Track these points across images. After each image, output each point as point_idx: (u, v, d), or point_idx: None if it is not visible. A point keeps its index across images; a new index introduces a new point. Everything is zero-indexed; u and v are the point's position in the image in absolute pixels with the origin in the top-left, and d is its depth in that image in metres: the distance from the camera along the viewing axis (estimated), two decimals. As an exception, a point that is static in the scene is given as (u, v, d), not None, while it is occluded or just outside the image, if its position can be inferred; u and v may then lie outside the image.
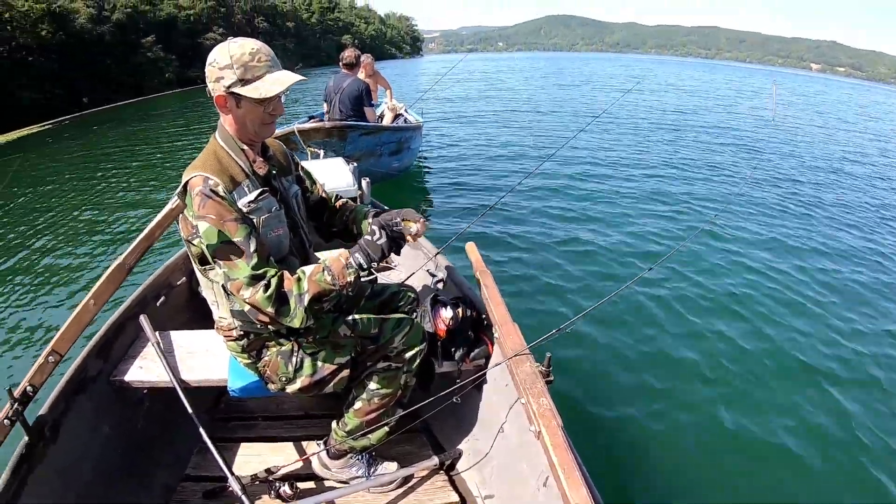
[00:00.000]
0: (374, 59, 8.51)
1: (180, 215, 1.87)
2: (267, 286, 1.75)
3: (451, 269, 3.02)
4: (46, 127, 22.79)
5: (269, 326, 1.92)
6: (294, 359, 2.09)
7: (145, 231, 2.08)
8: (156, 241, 2.18)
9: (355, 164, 4.43)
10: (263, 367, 2.13)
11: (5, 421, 1.87)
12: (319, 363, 2.09)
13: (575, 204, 8.24)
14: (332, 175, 4.09)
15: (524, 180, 3.45)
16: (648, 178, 10.01)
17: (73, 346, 2.20)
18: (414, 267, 3.28)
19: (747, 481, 3.26)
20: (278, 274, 1.79)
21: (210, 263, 1.84)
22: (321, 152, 5.96)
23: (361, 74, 8.01)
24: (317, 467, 2.50)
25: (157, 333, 2.57)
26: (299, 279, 1.82)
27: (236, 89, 1.77)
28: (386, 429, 2.30)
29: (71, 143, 17.57)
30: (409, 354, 2.19)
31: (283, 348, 2.09)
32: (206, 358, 2.52)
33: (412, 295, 2.55)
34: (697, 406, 3.89)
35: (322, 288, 1.83)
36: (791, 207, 8.71)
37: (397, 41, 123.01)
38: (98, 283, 2.04)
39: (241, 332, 2.06)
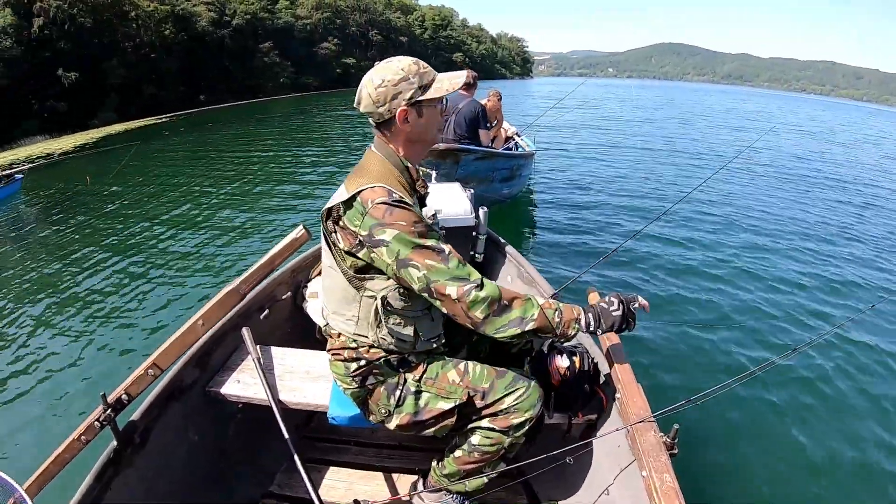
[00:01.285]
0: (499, 96, 8.52)
1: (341, 224, 1.82)
2: (480, 286, 1.74)
3: None
4: (164, 120, 24.08)
5: (414, 346, 1.95)
6: (398, 392, 2.00)
7: (265, 258, 2.06)
8: (276, 269, 2.15)
9: (472, 192, 4.32)
10: (366, 395, 2.05)
11: (95, 423, 1.89)
12: (422, 403, 1.99)
13: (708, 256, 7.47)
14: (449, 201, 4.02)
15: (648, 226, 3.21)
16: (804, 237, 8.73)
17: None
18: None
19: None
20: (492, 283, 1.77)
21: (369, 274, 1.83)
22: (433, 173, 5.91)
23: (487, 103, 7.96)
24: (413, 495, 2.40)
25: (258, 348, 2.55)
26: (530, 301, 1.80)
27: (419, 97, 1.79)
28: (485, 479, 2.17)
29: (185, 136, 18.45)
30: (516, 420, 1.98)
31: (390, 380, 2.00)
32: (306, 379, 2.47)
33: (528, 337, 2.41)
34: None
35: (545, 325, 1.80)
36: None
37: (507, 61, 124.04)
38: (209, 305, 2.03)
39: (354, 356, 1.99)
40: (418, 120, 1.82)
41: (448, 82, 1.82)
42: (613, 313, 1.88)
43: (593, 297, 2.47)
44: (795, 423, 4.10)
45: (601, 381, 2.34)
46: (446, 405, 1.96)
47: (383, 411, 2.03)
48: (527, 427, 1.98)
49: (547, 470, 2.10)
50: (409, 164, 1.91)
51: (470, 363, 2.01)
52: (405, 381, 2.00)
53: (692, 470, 3.41)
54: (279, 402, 2.31)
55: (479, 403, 1.97)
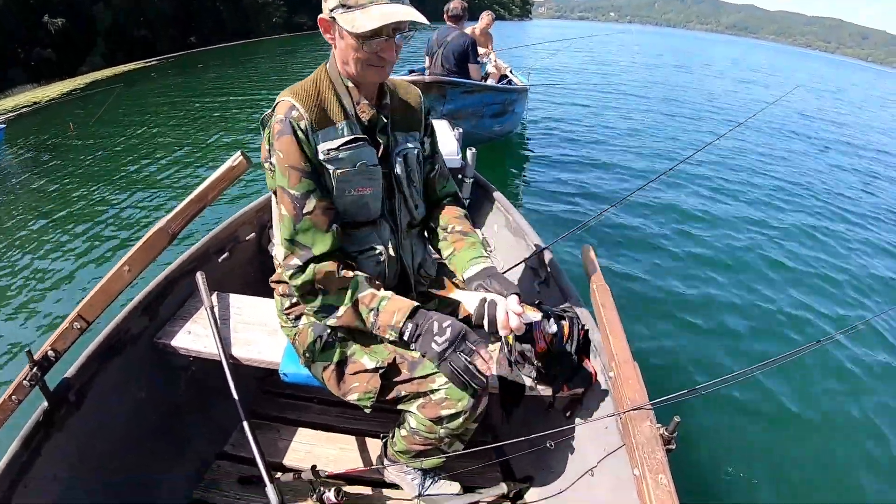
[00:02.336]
0: (493, 17, 8.17)
1: (264, 135, 1.65)
2: (303, 269, 1.59)
3: (557, 271, 2.55)
4: (152, 63, 23.69)
5: None
6: (325, 336, 1.79)
7: (197, 192, 1.78)
8: (210, 205, 1.86)
9: (460, 130, 4.06)
10: (295, 335, 1.88)
11: (24, 383, 1.67)
12: (348, 352, 1.77)
13: (719, 226, 6.86)
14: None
15: (650, 182, 2.86)
16: (830, 215, 7.91)
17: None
18: (513, 258, 2.91)
19: None
20: (318, 266, 1.59)
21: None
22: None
23: (476, 30, 7.79)
24: (377, 463, 2.23)
25: (213, 296, 2.33)
26: (347, 293, 1.61)
27: (336, 14, 1.52)
28: (442, 458, 1.95)
29: (173, 79, 17.99)
30: (445, 412, 1.68)
31: (319, 322, 1.78)
32: (263, 332, 2.23)
33: None
34: None
35: (355, 324, 1.64)
36: None
37: (506, 2, 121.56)
38: (134, 248, 1.77)
39: (289, 291, 1.84)
40: (339, 39, 1.57)
41: (364, 19, 1.46)
42: (435, 344, 1.56)
43: (587, 254, 2.22)
44: (808, 423, 3.78)
45: (591, 353, 2.09)
46: (370, 363, 1.72)
47: (307, 355, 1.83)
48: (460, 420, 1.70)
49: (526, 450, 1.90)
50: (351, 85, 1.64)
51: None
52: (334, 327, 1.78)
53: (687, 469, 3.16)
54: (231, 358, 2.10)
55: (404, 373, 1.71)
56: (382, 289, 1.66)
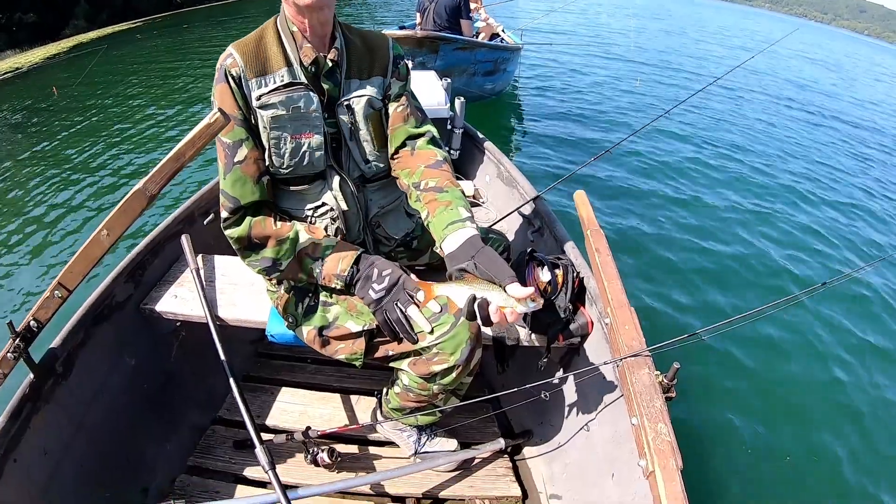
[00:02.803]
0: None
1: None
2: (238, 222, 1.56)
3: (550, 219, 2.50)
4: (137, 24, 23.22)
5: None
6: (307, 300, 1.74)
7: (174, 150, 1.71)
8: (189, 163, 1.79)
9: (449, 81, 3.97)
10: (278, 299, 1.81)
11: (9, 356, 1.61)
12: (330, 317, 1.71)
13: (723, 172, 6.97)
14: (422, 90, 3.52)
15: (641, 129, 2.78)
16: (828, 157, 8.33)
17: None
18: (506, 208, 2.84)
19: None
20: (251, 220, 1.56)
21: None
22: (409, 63, 5.52)
23: None
24: (372, 420, 2.19)
25: (199, 258, 2.25)
26: (286, 245, 1.57)
27: None
28: (437, 415, 1.92)
29: (159, 40, 17.66)
30: (438, 367, 1.62)
31: (301, 284, 1.74)
32: (250, 293, 2.17)
33: (500, 244, 2.07)
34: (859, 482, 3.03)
35: (300, 277, 1.62)
36: None
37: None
38: (113, 212, 1.71)
39: None
40: None
41: None
42: (372, 290, 1.52)
43: (581, 199, 2.15)
44: (810, 368, 3.77)
45: (587, 301, 2.03)
46: (355, 326, 1.67)
47: (291, 319, 1.77)
48: (453, 375, 1.64)
49: (522, 401, 1.86)
50: (296, 30, 1.54)
51: None
52: (316, 288, 1.73)
53: (688, 416, 3.14)
54: (218, 319, 2.05)
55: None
56: (326, 237, 1.62)
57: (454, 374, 1.63)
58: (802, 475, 3.02)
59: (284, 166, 1.58)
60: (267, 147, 1.55)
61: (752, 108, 11.18)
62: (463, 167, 3.82)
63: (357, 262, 1.56)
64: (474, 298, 1.29)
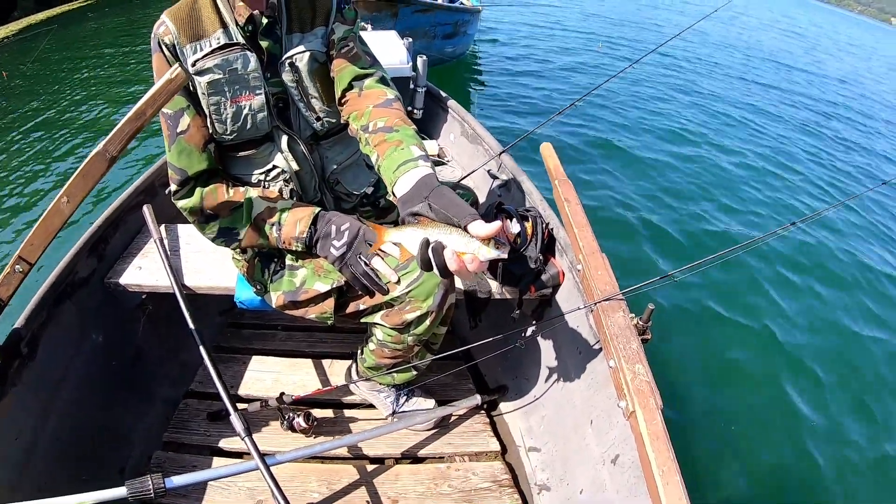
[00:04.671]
0: None
1: None
2: (189, 193, 1.52)
3: (518, 173, 2.50)
4: (89, 2, 22.59)
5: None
6: (273, 266, 1.73)
7: (133, 109, 1.65)
8: (148, 123, 1.71)
9: (410, 40, 3.92)
10: (244, 266, 1.80)
11: None
12: (298, 282, 1.68)
13: (685, 123, 7.23)
14: (382, 50, 3.56)
15: (605, 83, 2.77)
16: (791, 107, 8.82)
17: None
18: (471, 165, 2.82)
19: None
20: (203, 191, 1.53)
21: None
22: (369, 26, 5.48)
23: None
24: (347, 381, 2.18)
25: (162, 228, 2.18)
26: (240, 213, 1.55)
27: None
28: (413, 372, 1.93)
29: (111, 18, 17.19)
30: (410, 315, 1.61)
31: (265, 251, 1.72)
32: (216, 260, 2.13)
33: (468, 198, 1.99)
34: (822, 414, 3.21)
35: (259, 243, 1.59)
36: None
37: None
38: (72, 178, 1.64)
39: None
40: None
41: None
42: (333, 248, 1.51)
43: (547, 151, 2.13)
44: (781, 307, 3.92)
45: (557, 252, 2.04)
46: (323, 286, 1.64)
47: (258, 286, 1.77)
48: (427, 323, 1.63)
49: (496, 353, 1.85)
50: None
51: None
52: (281, 252, 1.71)
53: (663, 358, 3.21)
54: (185, 288, 2.00)
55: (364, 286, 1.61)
56: (281, 199, 1.59)
57: (428, 322, 1.62)
58: (775, 404, 3.20)
59: (228, 132, 1.52)
60: (208, 114, 1.49)
61: (706, 68, 11.60)
62: (426, 127, 3.79)
63: (314, 221, 1.53)
64: (427, 243, 1.10)
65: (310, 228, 1.51)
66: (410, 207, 1.19)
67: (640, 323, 1.52)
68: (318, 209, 1.55)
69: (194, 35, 1.43)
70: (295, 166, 1.62)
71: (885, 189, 5.86)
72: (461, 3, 8.75)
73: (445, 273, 1.10)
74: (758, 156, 6.69)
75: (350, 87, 1.57)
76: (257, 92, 1.49)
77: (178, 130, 1.46)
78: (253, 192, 1.55)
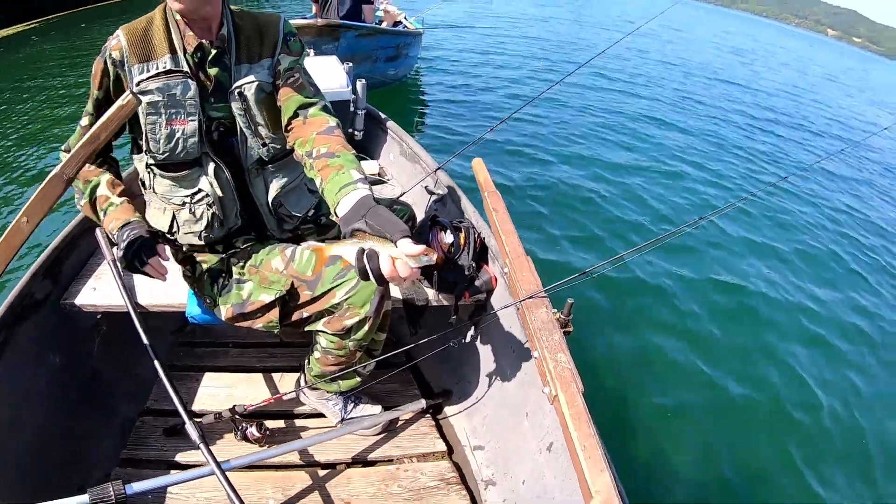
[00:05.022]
0: None
1: None
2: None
3: (452, 188, 2.65)
4: (33, 25, 22.06)
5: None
6: (221, 280, 1.82)
7: (88, 134, 1.73)
8: (104, 144, 1.80)
9: (350, 65, 4.03)
10: (193, 283, 1.91)
11: None
12: (244, 294, 1.79)
13: (607, 134, 7.72)
14: (323, 74, 3.67)
15: (546, 92, 2.95)
16: (702, 118, 9.51)
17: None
18: (410, 183, 2.94)
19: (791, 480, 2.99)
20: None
21: None
22: (311, 52, 5.56)
23: None
24: (297, 391, 2.24)
25: (115, 249, 2.23)
26: (89, 185, 1.69)
27: None
28: (357, 378, 2.03)
29: (54, 42, 16.93)
30: (350, 321, 1.73)
31: (213, 266, 1.82)
32: (170, 277, 2.15)
33: (405, 213, 2.12)
34: (732, 388, 3.51)
35: (92, 216, 1.72)
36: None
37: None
38: (31, 199, 1.71)
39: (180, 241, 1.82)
40: None
41: None
42: (118, 249, 1.63)
43: (478, 165, 2.27)
44: (694, 296, 4.25)
45: (490, 259, 2.17)
46: (268, 297, 1.75)
47: (208, 301, 1.86)
48: (365, 328, 1.75)
49: (438, 357, 1.98)
50: (179, 18, 1.57)
51: (299, 248, 1.77)
52: (229, 267, 1.81)
53: (587, 349, 3.41)
54: (139, 307, 2.06)
55: (304, 295, 1.74)
56: (120, 196, 1.69)
57: (366, 328, 1.73)
58: (688, 384, 3.49)
59: (160, 151, 1.62)
60: (144, 132, 1.59)
61: (640, 81, 12.36)
62: (367, 147, 3.88)
63: (123, 226, 1.62)
64: (363, 251, 1.24)
65: (118, 230, 1.61)
66: (350, 225, 1.31)
67: (562, 317, 1.65)
68: (133, 218, 1.65)
69: (144, 56, 1.53)
70: (219, 192, 1.71)
71: (775, 189, 6.59)
72: (404, 26, 8.89)
73: (380, 280, 1.23)
74: (675, 158, 7.33)
75: (295, 115, 1.67)
76: (191, 118, 1.59)
77: (80, 123, 1.65)
78: (104, 178, 1.69)
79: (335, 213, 1.42)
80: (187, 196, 1.71)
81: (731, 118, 10.43)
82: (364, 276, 1.25)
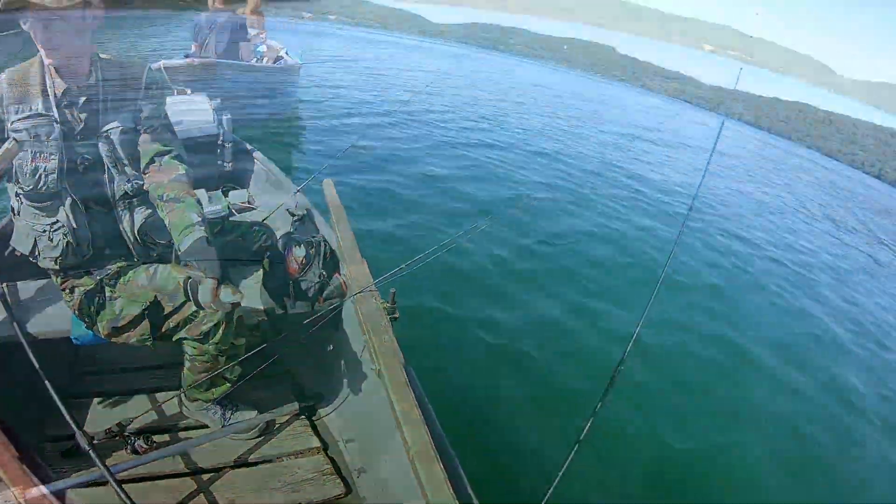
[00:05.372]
0: None
1: None
2: None
3: (310, 209, 2.94)
4: None
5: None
6: (97, 300, 2.02)
7: None
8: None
9: (219, 100, 4.20)
10: (73, 304, 2.05)
11: None
12: (117, 310, 2.01)
13: (443, 151, 8.68)
14: (188, 111, 3.86)
15: (384, 126, 3.30)
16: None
17: None
18: (273, 205, 3.18)
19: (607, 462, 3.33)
20: None
21: None
22: (188, 91, 5.67)
23: (247, 10, 7.85)
24: (179, 405, 2.43)
25: (4, 285, 2.36)
26: None
27: None
28: (227, 385, 2.24)
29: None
30: (205, 326, 1.99)
31: (90, 288, 2.01)
32: (56, 306, 2.31)
33: (264, 234, 2.45)
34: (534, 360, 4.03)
35: None
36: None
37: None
38: None
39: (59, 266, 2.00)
40: None
41: None
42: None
43: (327, 185, 2.55)
44: (504, 279, 5.02)
45: (340, 268, 2.42)
46: (137, 309, 1.98)
47: (87, 320, 2.03)
48: (220, 332, 2.00)
49: (305, 360, 2.18)
50: (48, 63, 1.80)
51: (161, 266, 2.03)
52: (102, 289, 2.01)
53: (415, 332, 3.71)
54: (28, 336, 2.14)
55: (167, 307, 1.99)
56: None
57: (221, 332, 1.98)
58: (503, 356, 4.01)
59: (26, 184, 1.84)
60: (13, 166, 1.81)
61: (463, 119, 12.82)
62: (237, 177, 4.05)
63: None
64: (188, 279, 1.83)
65: None
66: (187, 258, 1.81)
67: (388, 304, 1.93)
68: None
69: (20, 98, 1.77)
70: (73, 224, 1.92)
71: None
72: (283, 61, 9.06)
73: (198, 304, 1.84)
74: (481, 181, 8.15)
75: (152, 161, 1.96)
76: (52, 157, 1.82)
77: None
78: None
79: (178, 249, 1.84)
80: (48, 224, 1.90)
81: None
82: (187, 297, 1.87)
